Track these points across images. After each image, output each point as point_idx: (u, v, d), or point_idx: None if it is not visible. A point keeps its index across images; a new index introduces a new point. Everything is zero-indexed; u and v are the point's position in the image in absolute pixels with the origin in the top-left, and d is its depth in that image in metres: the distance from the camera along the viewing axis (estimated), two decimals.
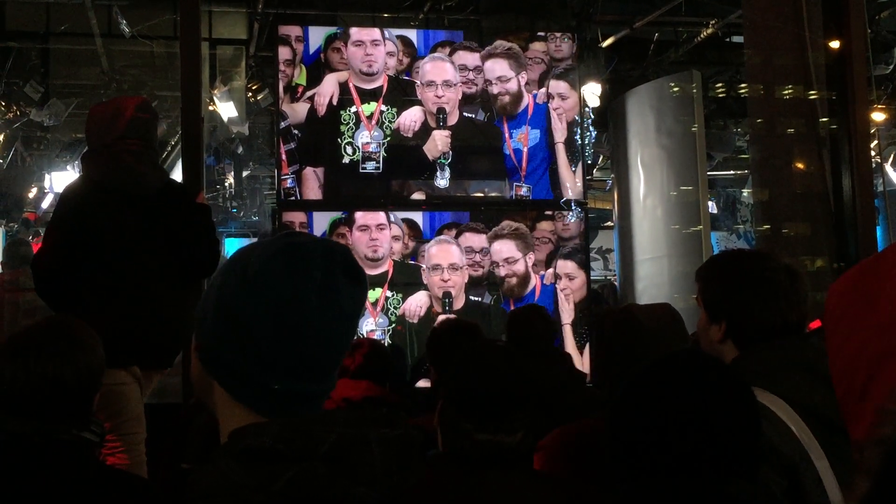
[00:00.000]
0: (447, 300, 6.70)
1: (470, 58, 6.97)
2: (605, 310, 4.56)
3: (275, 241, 1.23)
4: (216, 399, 1.24)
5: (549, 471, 2.28)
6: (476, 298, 6.83)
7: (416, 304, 6.72)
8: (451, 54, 6.94)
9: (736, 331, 2.08)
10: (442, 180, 6.87)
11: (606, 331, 2.56)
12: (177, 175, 5.72)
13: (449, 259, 6.78)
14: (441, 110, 6.83)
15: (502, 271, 6.91)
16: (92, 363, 2.16)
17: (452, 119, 6.90)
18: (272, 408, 1.19)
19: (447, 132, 6.83)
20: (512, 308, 6.76)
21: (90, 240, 3.59)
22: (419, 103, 6.82)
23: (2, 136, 11.19)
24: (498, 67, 7.03)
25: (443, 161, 6.84)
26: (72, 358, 2.11)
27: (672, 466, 1.51)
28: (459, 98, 6.90)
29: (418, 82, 6.84)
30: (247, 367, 1.19)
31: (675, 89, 7.53)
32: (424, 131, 6.84)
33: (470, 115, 6.94)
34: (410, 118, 6.81)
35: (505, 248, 6.92)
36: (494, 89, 7.01)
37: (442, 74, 6.89)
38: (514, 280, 6.91)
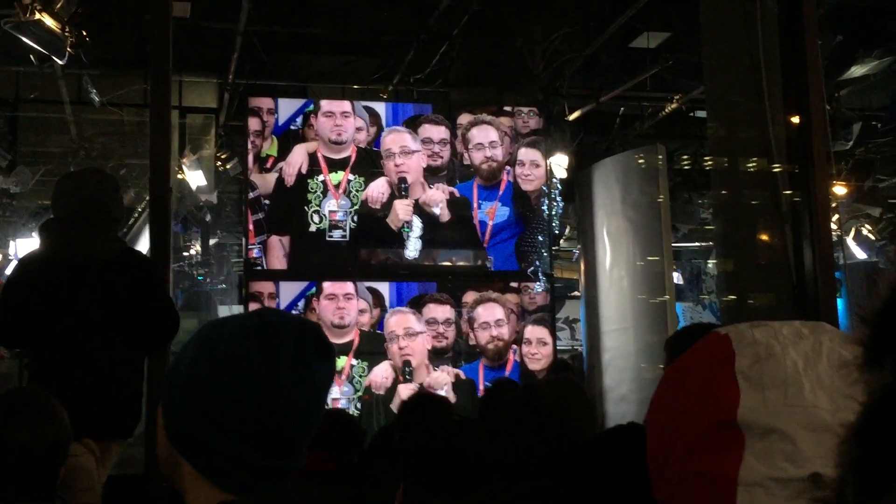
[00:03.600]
0: (407, 369, 6.65)
1: (434, 131, 7.03)
2: (504, 384, 4.63)
3: (247, 319, 1.23)
4: (184, 477, 1.23)
5: None
6: (438, 371, 6.78)
7: (382, 374, 6.67)
8: (416, 127, 7.00)
9: None
10: (411, 251, 6.87)
11: (516, 406, 2.61)
12: (144, 242, 5.69)
13: (404, 325, 6.75)
14: (402, 179, 6.86)
15: (485, 336, 6.87)
16: (60, 434, 2.12)
17: (418, 191, 6.92)
18: (243, 484, 1.18)
19: (408, 201, 6.85)
20: (481, 376, 6.74)
21: (39, 311, 3.59)
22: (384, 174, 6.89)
23: None
24: (491, 133, 7.11)
25: (406, 230, 6.85)
26: (41, 427, 2.07)
27: None
28: (423, 167, 6.94)
29: (382, 155, 6.90)
30: (218, 444, 1.19)
31: (641, 161, 7.64)
32: (391, 202, 6.88)
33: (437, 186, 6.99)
34: (378, 189, 6.85)
35: (495, 311, 6.91)
36: (479, 156, 7.05)
37: (399, 142, 6.94)
38: (500, 344, 6.88)
